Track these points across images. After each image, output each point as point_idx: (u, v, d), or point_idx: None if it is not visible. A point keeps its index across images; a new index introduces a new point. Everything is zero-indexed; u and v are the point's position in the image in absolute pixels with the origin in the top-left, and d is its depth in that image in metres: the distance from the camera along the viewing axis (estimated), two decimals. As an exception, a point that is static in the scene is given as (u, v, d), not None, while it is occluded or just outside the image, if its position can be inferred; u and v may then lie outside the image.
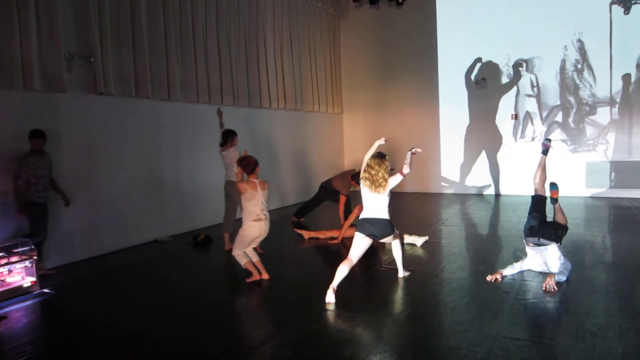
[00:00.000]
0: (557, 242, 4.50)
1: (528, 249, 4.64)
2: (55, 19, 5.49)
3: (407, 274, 4.74)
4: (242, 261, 4.83)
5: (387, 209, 4.33)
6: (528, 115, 10.08)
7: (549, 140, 5.16)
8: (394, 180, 4.30)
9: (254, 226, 4.72)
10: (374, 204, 4.31)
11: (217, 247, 6.36)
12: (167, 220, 7.08)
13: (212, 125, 7.91)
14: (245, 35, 8.60)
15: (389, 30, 11.29)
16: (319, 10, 10.86)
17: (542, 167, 4.91)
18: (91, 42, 5.92)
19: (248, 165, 4.78)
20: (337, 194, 7.41)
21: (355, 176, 7.20)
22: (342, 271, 4.18)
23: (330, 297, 4.10)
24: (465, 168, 10.74)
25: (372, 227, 4.27)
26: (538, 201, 4.72)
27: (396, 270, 4.78)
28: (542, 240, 4.49)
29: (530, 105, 10.04)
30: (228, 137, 6.29)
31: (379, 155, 4.35)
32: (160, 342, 3.55)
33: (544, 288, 4.19)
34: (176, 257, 6.12)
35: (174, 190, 7.24)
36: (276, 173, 9.49)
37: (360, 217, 4.39)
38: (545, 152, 5.01)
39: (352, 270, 4.31)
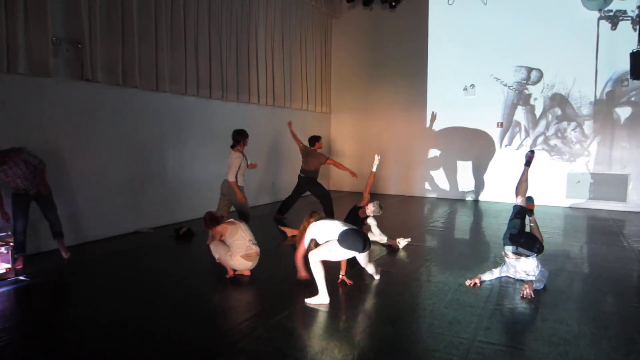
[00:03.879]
0: (534, 254, 4.57)
1: (506, 258, 4.71)
2: (44, 2, 5.39)
3: (378, 277, 4.67)
4: (216, 255, 4.82)
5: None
6: (514, 124, 10.22)
7: (533, 152, 5.29)
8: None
9: (241, 263, 4.73)
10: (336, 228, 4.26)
11: (198, 241, 6.31)
12: (149, 211, 7.00)
13: (199, 117, 7.89)
14: (237, 29, 8.55)
15: (380, 32, 11.34)
16: (311, 9, 10.85)
17: (525, 179, 5.03)
18: (80, 28, 5.82)
19: (212, 221, 4.79)
20: (315, 183, 7.53)
21: (312, 140, 7.85)
22: (322, 272, 4.13)
23: (326, 298, 4.10)
24: (450, 173, 10.85)
25: (362, 237, 4.17)
26: (520, 211, 4.80)
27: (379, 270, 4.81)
28: (520, 250, 4.55)
29: (516, 114, 10.18)
30: (239, 138, 6.25)
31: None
32: (137, 335, 3.52)
33: (521, 295, 4.27)
34: (157, 249, 6.06)
35: (156, 182, 7.16)
36: (262, 169, 9.46)
37: (344, 230, 4.15)
38: (528, 163, 5.13)
39: (334, 270, 4.31)
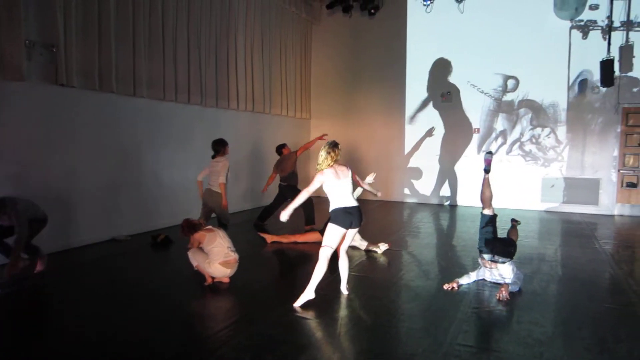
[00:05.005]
0: (509, 259, 4.64)
1: (482, 263, 4.76)
2: (16, 3, 5.27)
3: (346, 293, 4.49)
4: (194, 263, 4.78)
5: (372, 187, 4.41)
6: (491, 130, 10.42)
7: (491, 153, 5.08)
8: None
9: (220, 270, 4.69)
10: (344, 191, 4.25)
11: (176, 248, 6.23)
12: (126, 218, 6.88)
13: (177, 123, 7.82)
14: (216, 34, 8.52)
15: (360, 39, 11.45)
16: (291, 15, 10.88)
17: (488, 187, 4.86)
18: (54, 31, 5.70)
19: (190, 229, 4.75)
20: (296, 190, 7.53)
21: (279, 149, 7.97)
22: (323, 270, 4.17)
23: (311, 294, 4.15)
24: (428, 179, 10.97)
25: (351, 216, 4.22)
26: (490, 220, 4.77)
27: (358, 277, 4.82)
28: (496, 257, 4.60)
29: (493, 120, 10.38)
30: (220, 148, 6.24)
31: (331, 145, 4.29)
32: (115, 343, 3.45)
33: (497, 297, 4.34)
34: (134, 257, 5.96)
35: (133, 189, 7.04)
36: (242, 175, 9.42)
37: (335, 208, 4.23)
38: (487, 170, 4.93)
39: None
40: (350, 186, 4.31)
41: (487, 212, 4.81)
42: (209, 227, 4.85)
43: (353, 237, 4.43)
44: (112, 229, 6.66)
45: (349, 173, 4.33)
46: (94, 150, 6.39)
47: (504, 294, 4.33)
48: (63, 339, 3.55)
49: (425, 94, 10.84)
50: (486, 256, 4.65)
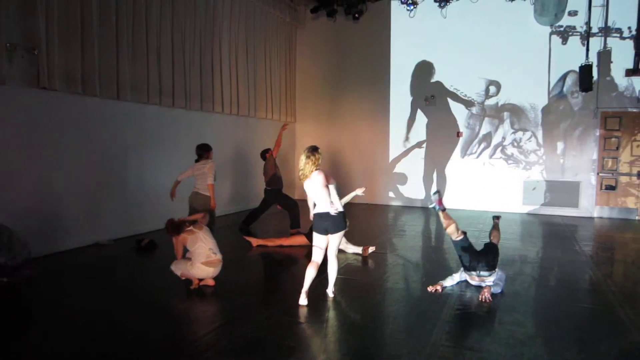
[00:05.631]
0: (493, 270, 4.66)
1: (468, 278, 4.77)
2: (-3, 6, 5.21)
3: (332, 295, 4.51)
4: (178, 272, 4.79)
5: (338, 201, 4.37)
6: (473, 134, 10.56)
7: (438, 192, 5.04)
8: (323, 184, 4.27)
9: (203, 270, 4.70)
10: (319, 197, 4.31)
11: (161, 253, 6.19)
12: (110, 223, 6.81)
13: (161, 127, 7.77)
14: (200, 38, 8.50)
15: (344, 43, 11.52)
16: (276, 19, 10.91)
17: (447, 218, 4.77)
18: (36, 34, 5.63)
19: (174, 229, 4.78)
20: (280, 194, 7.54)
21: (263, 154, 7.97)
22: (310, 274, 4.25)
23: (303, 301, 4.21)
24: (413, 182, 11.07)
25: (324, 221, 4.28)
26: (464, 238, 4.71)
27: (343, 279, 4.85)
28: (482, 273, 4.63)
29: (476, 124, 10.53)
30: (203, 153, 6.22)
31: (310, 149, 4.34)
32: (98, 347, 3.42)
33: (480, 299, 4.41)
34: (118, 261, 5.90)
35: (117, 193, 6.98)
36: (226, 179, 9.39)
37: (314, 213, 4.38)
38: (442, 207, 4.84)
39: (300, 279, 4.33)
40: (322, 193, 4.24)
41: (456, 237, 4.69)
42: (190, 229, 4.83)
43: (339, 242, 4.47)
44: (95, 233, 6.58)
45: (320, 179, 4.25)
46: (77, 154, 6.31)
47: (486, 295, 4.40)
48: (42, 345, 3.51)
49: (409, 97, 10.95)
50: (472, 273, 4.67)
